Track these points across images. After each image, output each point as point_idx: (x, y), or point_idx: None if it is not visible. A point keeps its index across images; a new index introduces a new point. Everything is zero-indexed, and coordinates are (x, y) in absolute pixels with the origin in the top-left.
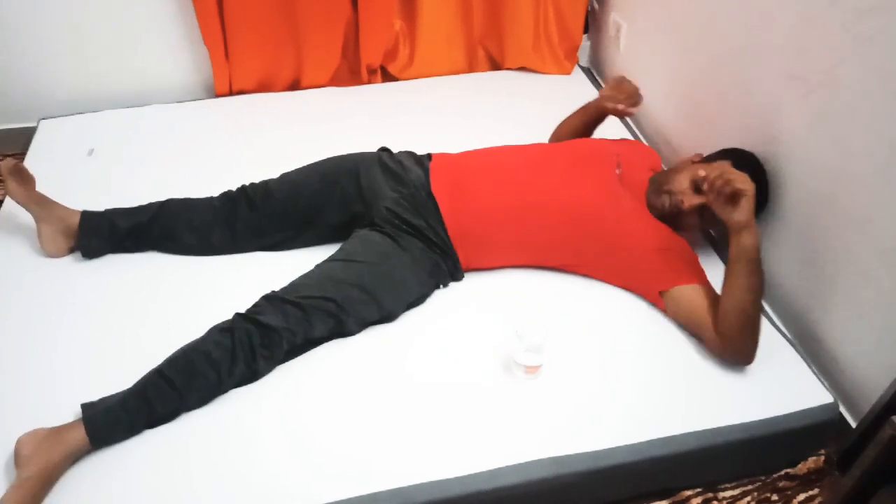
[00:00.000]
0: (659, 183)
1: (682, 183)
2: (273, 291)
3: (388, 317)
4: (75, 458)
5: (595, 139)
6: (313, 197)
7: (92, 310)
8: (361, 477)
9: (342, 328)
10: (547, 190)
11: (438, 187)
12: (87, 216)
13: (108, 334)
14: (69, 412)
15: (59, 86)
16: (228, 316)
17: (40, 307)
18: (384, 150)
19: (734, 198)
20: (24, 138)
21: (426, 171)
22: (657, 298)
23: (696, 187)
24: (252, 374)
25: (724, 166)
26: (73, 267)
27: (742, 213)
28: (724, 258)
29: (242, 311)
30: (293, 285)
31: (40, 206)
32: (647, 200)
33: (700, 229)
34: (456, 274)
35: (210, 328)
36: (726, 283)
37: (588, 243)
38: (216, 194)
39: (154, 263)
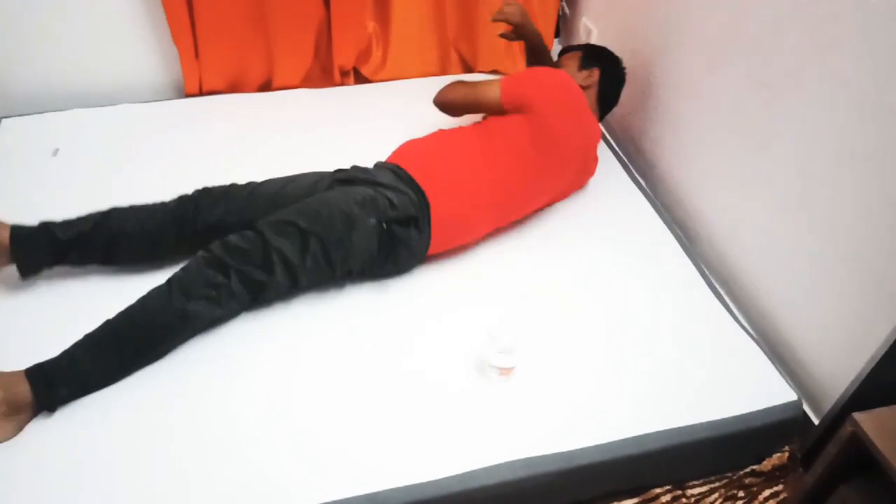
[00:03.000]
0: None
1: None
2: None
3: (299, 218)
4: (8, 397)
5: None
6: (277, 189)
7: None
8: (333, 482)
9: (264, 249)
10: (491, 121)
11: (399, 157)
12: (17, 229)
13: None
14: None
15: (23, 83)
16: None
17: None
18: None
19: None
20: None
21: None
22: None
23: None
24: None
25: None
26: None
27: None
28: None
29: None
30: None
31: None
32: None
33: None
34: (404, 204)
35: None
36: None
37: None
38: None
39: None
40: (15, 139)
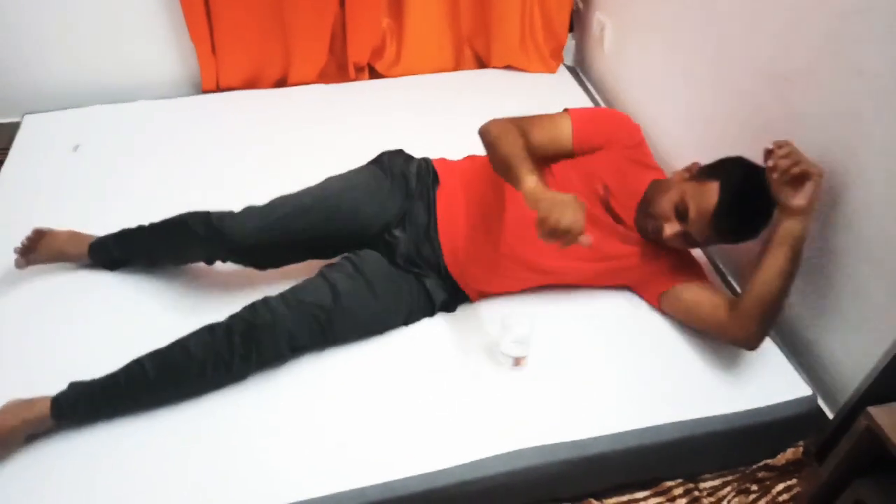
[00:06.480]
0: (646, 204)
1: (664, 208)
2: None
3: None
4: (34, 426)
5: (586, 160)
6: (301, 212)
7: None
8: (348, 471)
9: (325, 340)
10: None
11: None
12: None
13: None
14: None
15: (44, 80)
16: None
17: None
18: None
19: (799, 179)
20: (7, 133)
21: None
22: (655, 299)
23: (678, 212)
24: (227, 370)
25: (793, 146)
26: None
27: (804, 197)
28: (715, 263)
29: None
30: (294, 288)
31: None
32: (636, 223)
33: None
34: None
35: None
36: (763, 263)
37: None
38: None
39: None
40: (37, 135)
